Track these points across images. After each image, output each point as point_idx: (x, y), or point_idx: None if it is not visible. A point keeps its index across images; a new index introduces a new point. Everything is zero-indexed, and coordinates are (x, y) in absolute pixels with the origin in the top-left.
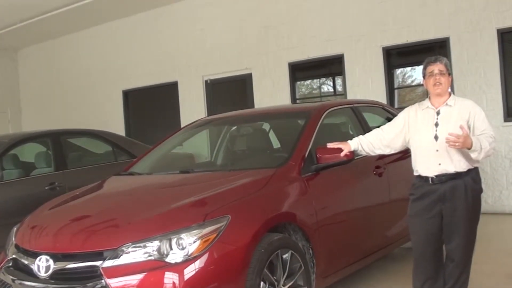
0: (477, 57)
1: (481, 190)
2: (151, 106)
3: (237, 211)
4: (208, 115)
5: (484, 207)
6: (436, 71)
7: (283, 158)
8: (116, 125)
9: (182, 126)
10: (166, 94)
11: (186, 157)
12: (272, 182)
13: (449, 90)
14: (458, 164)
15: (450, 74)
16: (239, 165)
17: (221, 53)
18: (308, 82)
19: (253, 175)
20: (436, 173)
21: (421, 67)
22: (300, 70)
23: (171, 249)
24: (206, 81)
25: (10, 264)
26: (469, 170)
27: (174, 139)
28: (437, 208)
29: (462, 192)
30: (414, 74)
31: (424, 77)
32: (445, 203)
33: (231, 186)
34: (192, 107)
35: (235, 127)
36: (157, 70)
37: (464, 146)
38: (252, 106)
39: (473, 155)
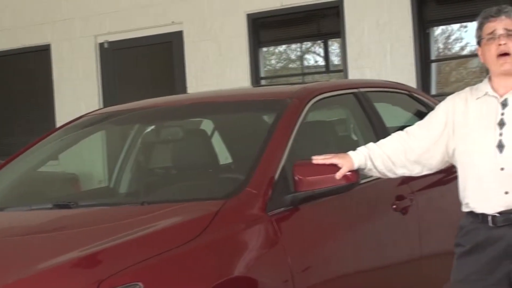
0: None
1: None
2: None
3: (154, 277)
4: (104, 106)
5: None
6: (500, 30)
7: (236, 182)
8: None
9: (58, 124)
10: (30, 67)
11: (65, 181)
12: (216, 225)
13: None
14: None
15: None
16: (158, 194)
17: None
18: (282, 48)
19: (184, 212)
20: (501, 209)
21: (475, 23)
22: (269, 28)
23: None
24: (101, 45)
25: None
26: None
27: (43, 148)
28: (503, 269)
29: None
30: (465, 35)
31: (479, 43)
32: None
33: (143, 233)
34: (77, 90)
35: (153, 127)
36: (12, 23)
37: None
38: (184, 90)
39: None
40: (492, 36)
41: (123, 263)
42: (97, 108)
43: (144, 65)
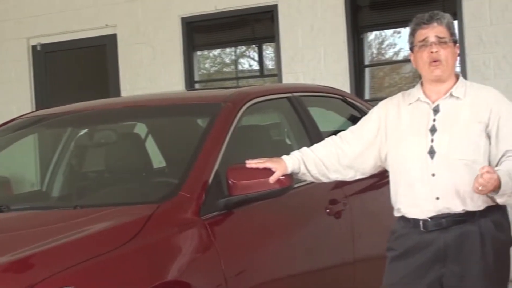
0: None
1: (510, 242)
2: None
3: (87, 281)
4: (37, 109)
5: None
6: (432, 38)
7: (170, 186)
8: None
9: None
10: None
11: None
12: (149, 229)
13: (457, 71)
14: (469, 199)
15: (456, 42)
16: (91, 198)
17: None
18: (216, 52)
19: (117, 216)
20: (432, 214)
21: (408, 29)
22: (203, 31)
23: None
24: (34, 48)
25: None
26: (488, 209)
27: None
28: (433, 273)
29: (476, 245)
30: (398, 41)
31: (411, 48)
32: (446, 264)
33: (75, 237)
34: (9, 93)
35: (86, 130)
36: None
37: (489, 190)
38: (117, 93)
39: (500, 199)
40: (424, 43)
41: (55, 267)
42: (29, 111)
43: (77, 68)
